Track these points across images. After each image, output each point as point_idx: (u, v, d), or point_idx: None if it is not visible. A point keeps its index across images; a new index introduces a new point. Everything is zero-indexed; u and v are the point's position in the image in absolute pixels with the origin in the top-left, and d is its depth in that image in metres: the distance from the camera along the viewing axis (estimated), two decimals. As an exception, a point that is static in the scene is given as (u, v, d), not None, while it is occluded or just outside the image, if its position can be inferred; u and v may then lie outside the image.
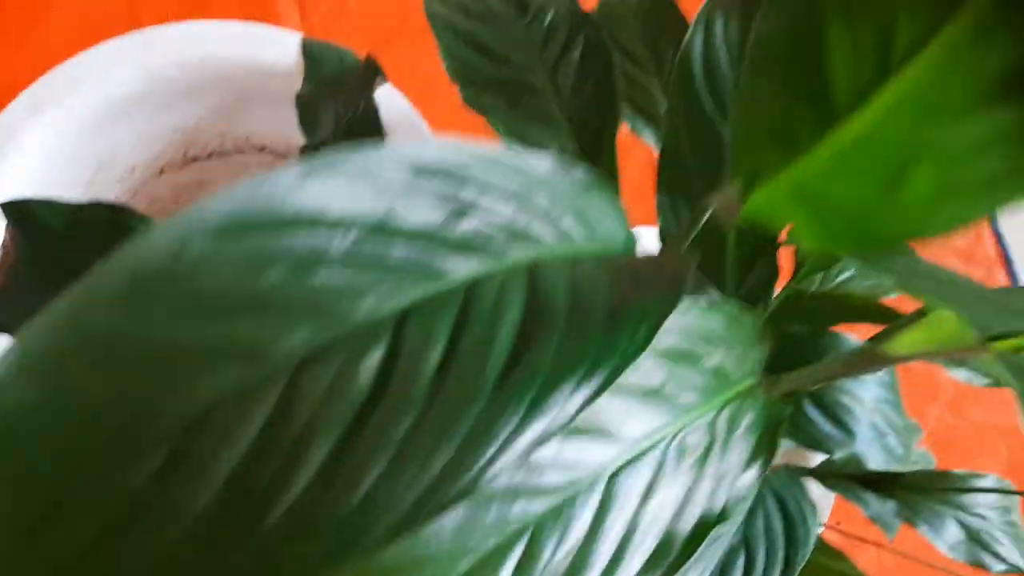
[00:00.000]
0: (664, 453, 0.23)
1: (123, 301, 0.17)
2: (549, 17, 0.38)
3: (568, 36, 0.38)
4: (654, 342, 0.24)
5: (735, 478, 0.24)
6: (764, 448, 0.24)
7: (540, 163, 0.24)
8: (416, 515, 0.17)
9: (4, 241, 0.37)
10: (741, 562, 0.30)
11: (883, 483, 0.38)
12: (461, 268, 0.20)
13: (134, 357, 0.17)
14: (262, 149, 0.48)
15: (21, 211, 0.35)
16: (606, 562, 0.21)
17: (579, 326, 0.20)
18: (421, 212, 0.21)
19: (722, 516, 0.23)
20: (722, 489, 0.23)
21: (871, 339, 0.27)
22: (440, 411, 0.18)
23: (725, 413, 0.24)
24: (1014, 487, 0.37)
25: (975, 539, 0.37)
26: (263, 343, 0.17)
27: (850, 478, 0.40)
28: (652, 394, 0.23)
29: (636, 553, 0.21)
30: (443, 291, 0.20)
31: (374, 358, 0.18)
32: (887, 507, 0.37)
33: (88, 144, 0.42)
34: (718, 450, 0.23)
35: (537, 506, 0.21)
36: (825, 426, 0.35)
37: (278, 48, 0.44)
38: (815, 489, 0.47)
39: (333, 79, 0.42)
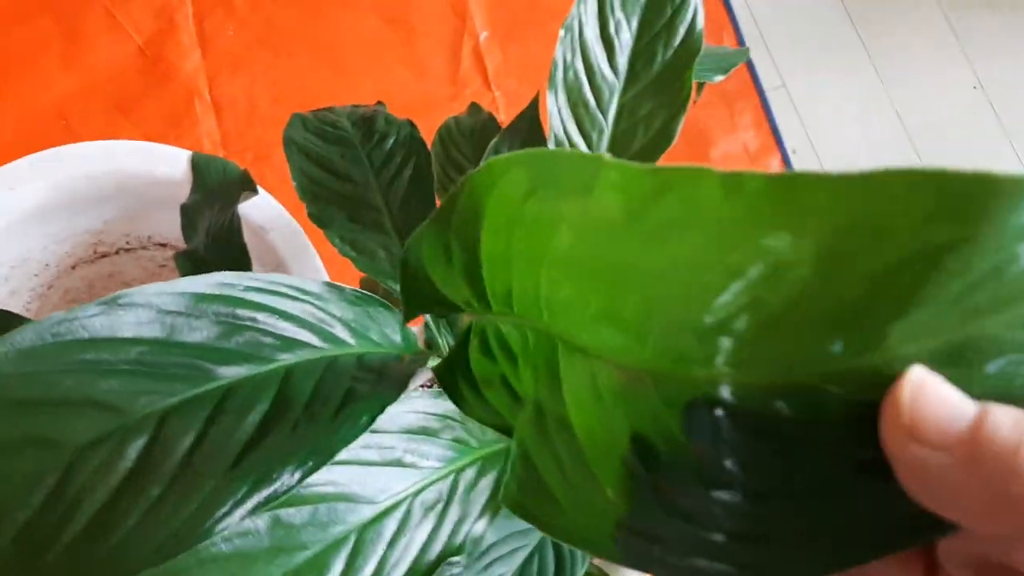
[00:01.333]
0: (409, 508, 0.29)
1: None
2: (390, 142, 0.46)
3: (403, 159, 0.45)
4: (396, 422, 0.30)
5: (473, 523, 0.30)
6: (495, 499, 0.31)
7: (315, 286, 0.31)
8: (164, 554, 0.23)
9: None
10: (513, 600, 0.37)
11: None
12: (228, 373, 0.27)
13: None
14: (164, 245, 0.55)
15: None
16: None
17: (312, 416, 0.27)
18: (200, 330, 0.28)
19: (459, 550, 0.30)
20: (461, 532, 0.30)
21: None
22: (183, 484, 0.24)
23: (468, 472, 0.31)
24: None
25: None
26: (54, 436, 0.24)
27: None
28: (395, 463, 0.30)
29: None
30: (206, 391, 0.26)
31: (138, 444, 0.24)
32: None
33: (2, 246, 0.49)
34: (457, 501, 0.30)
35: (297, 559, 0.27)
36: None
37: (172, 162, 0.51)
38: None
39: (214, 189, 0.49)
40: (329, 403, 0.27)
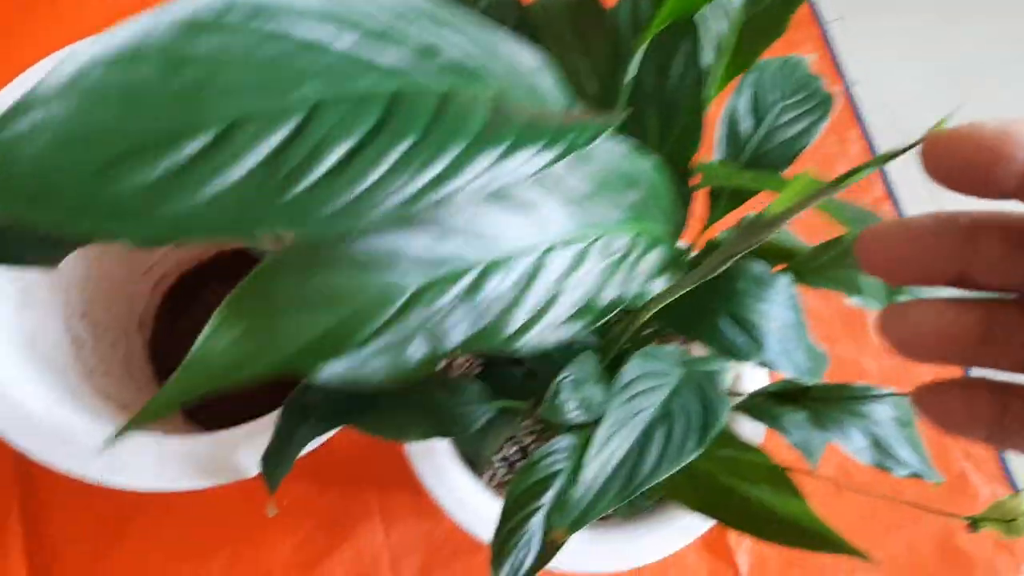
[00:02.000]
0: (589, 247, 0.28)
1: (182, 30, 0.22)
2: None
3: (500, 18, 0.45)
4: (586, 163, 0.29)
5: (647, 281, 0.29)
6: (672, 268, 0.30)
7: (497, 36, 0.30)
8: (409, 206, 0.22)
9: None
10: (663, 430, 0.35)
11: (793, 395, 0.43)
12: (442, 81, 0.26)
13: (194, 68, 0.21)
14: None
15: None
16: (537, 306, 0.26)
17: (538, 118, 0.26)
18: (412, 34, 0.27)
19: (634, 300, 0.28)
20: (634, 285, 0.28)
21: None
22: (430, 146, 0.23)
23: (642, 239, 0.30)
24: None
25: (878, 444, 0.42)
26: (290, 86, 0.23)
27: (767, 396, 0.45)
28: (581, 201, 0.29)
29: (564, 304, 0.26)
30: (429, 88, 0.25)
31: (374, 111, 0.23)
32: (801, 419, 0.42)
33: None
34: (633, 259, 0.29)
35: (487, 253, 0.26)
36: (739, 337, 0.40)
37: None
38: (746, 427, 0.52)
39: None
40: (549, 115, 0.27)
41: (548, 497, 0.43)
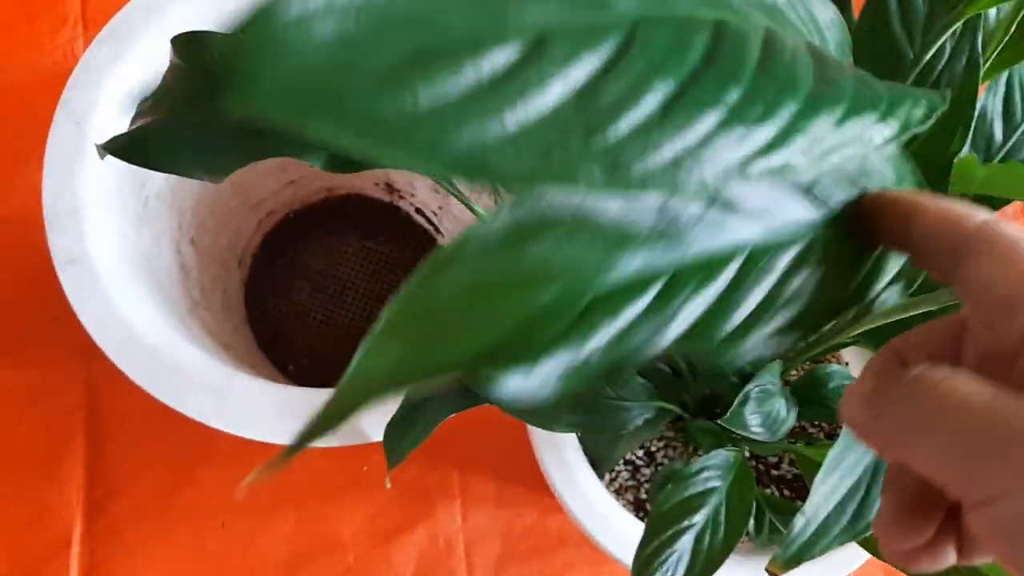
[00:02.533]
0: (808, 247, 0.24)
1: None
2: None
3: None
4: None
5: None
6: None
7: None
8: (744, 170, 0.17)
9: (164, 77, 0.37)
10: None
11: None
12: (756, 16, 0.21)
13: None
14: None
15: (193, 45, 0.35)
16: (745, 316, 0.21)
17: (866, 83, 0.21)
18: None
19: (869, 305, 0.24)
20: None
21: None
22: (765, 94, 0.18)
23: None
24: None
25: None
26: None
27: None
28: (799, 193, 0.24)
29: (777, 317, 0.22)
30: (748, 21, 0.21)
31: (701, 40, 0.19)
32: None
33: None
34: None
35: (680, 254, 0.21)
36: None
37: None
38: None
39: None
40: (876, 82, 0.22)
41: (701, 516, 0.39)
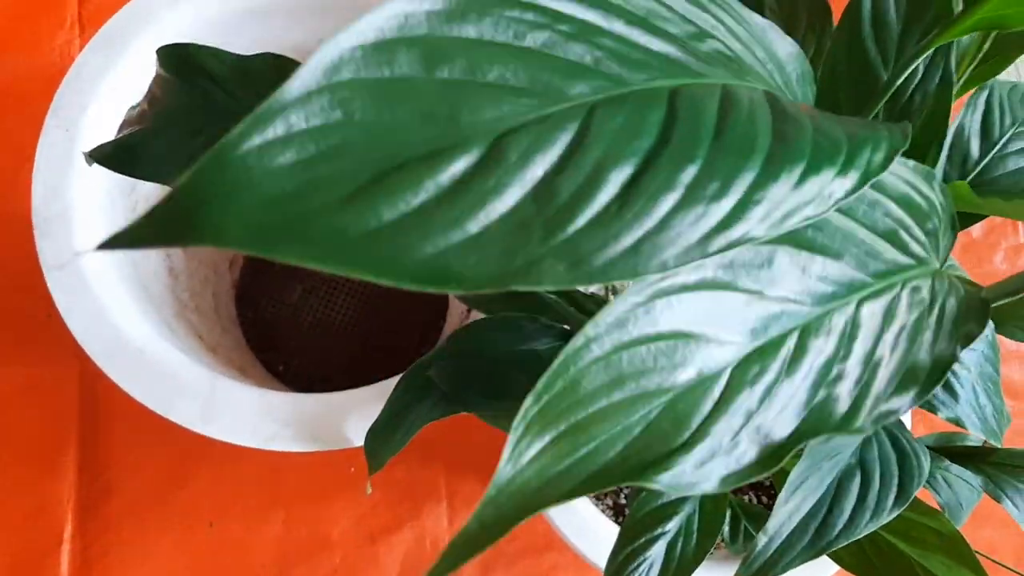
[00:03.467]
0: (898, 295, 0.23)
1: (441, 17, 0.18)
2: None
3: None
4: (894, 188, 0.25)
5: (952, 335, 0.24)
6: (973, 319, 0.25)
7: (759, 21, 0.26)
8: (704, 248, 0.18)
9: (150, 87, 0.37)
10: (857, 481, 0.30)
11: (973, 456, 0.38)
12: (713, 73, 0.22)
13: (452, 62, 0.17)
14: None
15: (179, 57, 0.36)
16: (863, 373, 0.21)
17: (824, 134, 0.21)
18: (673, 24, 0.22)
19: (952, 358, 0.23)
20: (943, 339, 0.24)
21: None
22: (722, 166, 0.19)
23: (937, 281, 0.25)
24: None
25: (1058, 524, 0.37)
26: (560, 84, 0.18)
27: (939, 450, 0.40)
28: (886, 238, 0.24)
29: (886, 373, 0.22)
30: (703, 83, 0.21)
31: (656, 117, 0.19)
32: (960, 482, 0.38)
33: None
34: (939, 307, 0.24)
35: (803, 313, 0.21)
36: (933, 385, 0.36)
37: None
38: None
39: None
40: (834, 129, 0.22)
41: (674, 523, 0.39)
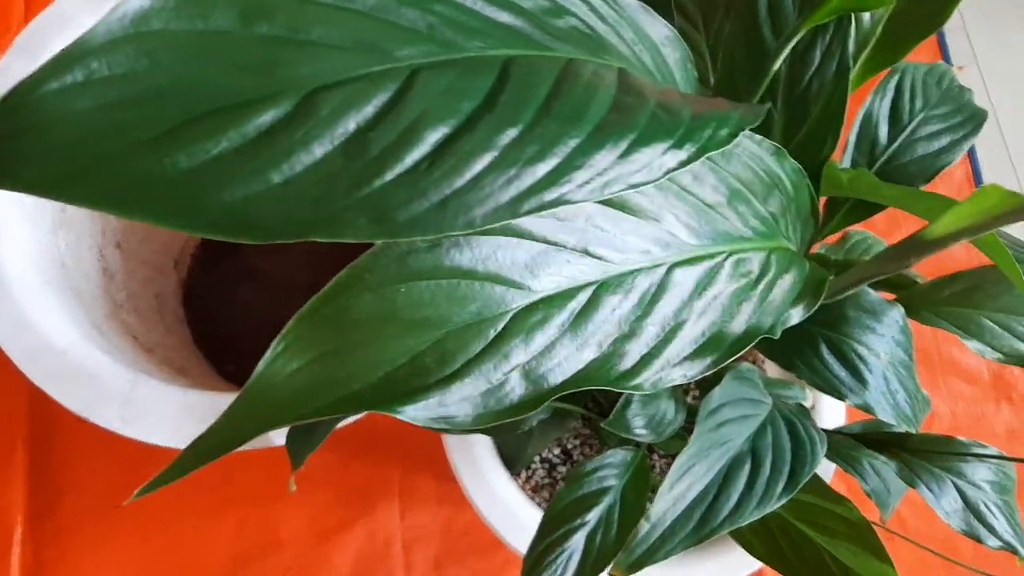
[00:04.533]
0: (720, 265, 0.23)
1: None
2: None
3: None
4: (726, 163, 0.25)
5: (783, 309, 0.24)
6: (809, 295, 0.25)
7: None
8: (517, 207, 0.18)
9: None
10: (747, 468, 0.30)
11: (889, 443, 0.38)
12: (561, 48, 0.22)
13: (273, 19, 0.17)
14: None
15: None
16: (659, 335, 0.21)
17: (668, 112, 0.21)
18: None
19: (770, 331, 0.23)
20: (770, 313, 0.24)
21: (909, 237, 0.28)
22: (545, 132, 0.18)
23: (776, 256, 0.25)
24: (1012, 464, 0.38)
25: (972, 509, 0.37)
26: (386, 46, 0.18)
27: (852, 436, 0.40)
28: (714, 209, 0.24)
29: (687, 337, 0.22)
30: (545, 56, 0.21)
31: (484, 83, 0.19)
32: (888, 468, 0.38)
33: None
34: (768, 281, 0.24)
35: (602, 269, 0.21)
36: (840, 371, 0.35)
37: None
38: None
39: None
40: (679, 106, 0.22)
41: (595, 514, 0.39)
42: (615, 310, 0.21)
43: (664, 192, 0.22)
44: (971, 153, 0.79)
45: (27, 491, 0.61)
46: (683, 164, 0.20)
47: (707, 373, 0.21)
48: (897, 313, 0.37)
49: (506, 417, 0.19)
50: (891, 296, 0.40)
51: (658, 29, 0.27)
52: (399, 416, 0.18)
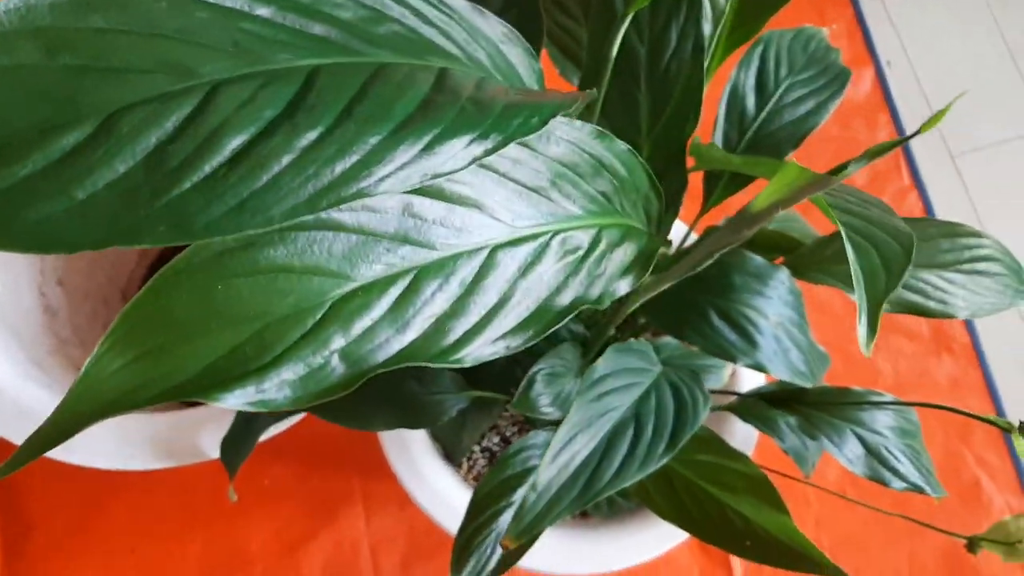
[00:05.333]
0: (545, 244, 0.25)
1: (66, 9, 0.19)
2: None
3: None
4: (545, 148, 0.26)
5: (612, 281, 0.26)
6: (639, 266, 0.27)
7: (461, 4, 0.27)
8: (315, 204, 0.19)
9: None
10: (630, 433, 0.32)
11: (790, 400, 0.40)
12: (374, 54, 0.23)
13: (76, 50, 0.19)
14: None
15: None
16: (482, 313, 0.23)
17: (479, 106, 0.23)
18: (345, 9, 0.24)
19: (597, 302, 0.25)
20: (598, 285, 0.25)
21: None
22: (345, 133, 0.20)
23: (608, 234, 0.27)
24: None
25: (874, 454, 0.39)
26: (190, 65, 0.20)
27: (759, 398, 0.42)
28: (540, 191, 0.26)
29: (511, 313, 0.23)
30: (356, 63, 0.22)
31: (287, 91, 0.20)
32: (791, 424, 0.39)
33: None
34: (597, 256, 0.26)
35: (422, 256, 0.23)
36: (730, 335, 0.37)
37: None
38: (739, 429, 0.49)
39: None
40: (492, 102, 0.23)
41: (520, 494, 0.41)
42: (436, 293, 0.22)
43: (482, 179, 0.24)
44: (897, 121, 0.81)
45: (1, 529, 0.62)
46: (489, 152, 0.22)
47: (529, 344, 0.23)
48: (783, 275, 0.38)
49: (326, 396, 0.20)
50: (780, 261, 0.41)
51: (494, 28, 0.28)
52: (218, 404, 0.19)
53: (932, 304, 0.39)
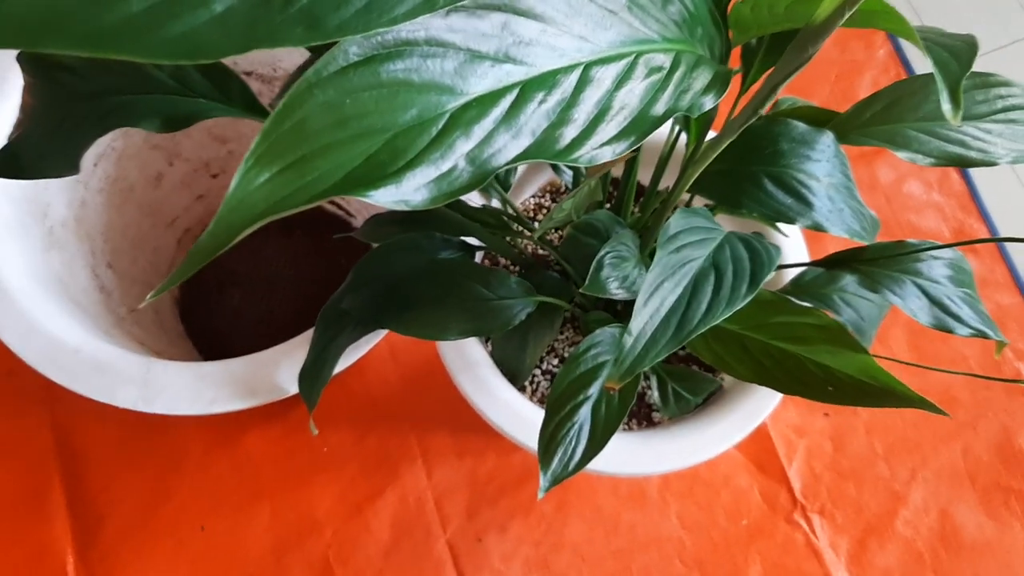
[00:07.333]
0: (632, 63, 0.26)
1: None
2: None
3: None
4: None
5: (697, 96, 0.27)
6: (719, 84, 0.28)
7: None
8: (432, 3, 0.20)
9: (23, 95, 0.40)
10: (712, 277, 0.33)
11: (849, 260, 0.41)
12: None
13: None
14: (248, 74, 0.53)
15: (34, 58, 0.39)
16: (587, 122, 0.24)
17: None
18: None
19: (689, 110, 0.26)
20: (685, 99, 0.27)
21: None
22: None
23: (686, 57, 0.28)
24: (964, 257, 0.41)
25: (936, 303, 0.40)
26: None
27: (820, 264, 0.43)
28: (616, 14, 0.27)
29: (612, 122, 0.25)
30: None
31: None
32: (852, 283, 0.41)
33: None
34: (680, 74, 0.27)
35: (524, 71, 0.24)
36: (785, 199, 0.38)
37: None
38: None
39: None
40: None
41: (595, 388, 0.42)
42: (542, 104, 0.24)
43: (567, 2, 0.25)
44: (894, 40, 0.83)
45: (71, 523, 0.63)
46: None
47: (633, 148, 0.24)
48: (828, 138, 0.40)
49: (458, 195, 0.21)
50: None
51: None
52: (367, 199, 0.20)
53: (973, 154, 0.40)
